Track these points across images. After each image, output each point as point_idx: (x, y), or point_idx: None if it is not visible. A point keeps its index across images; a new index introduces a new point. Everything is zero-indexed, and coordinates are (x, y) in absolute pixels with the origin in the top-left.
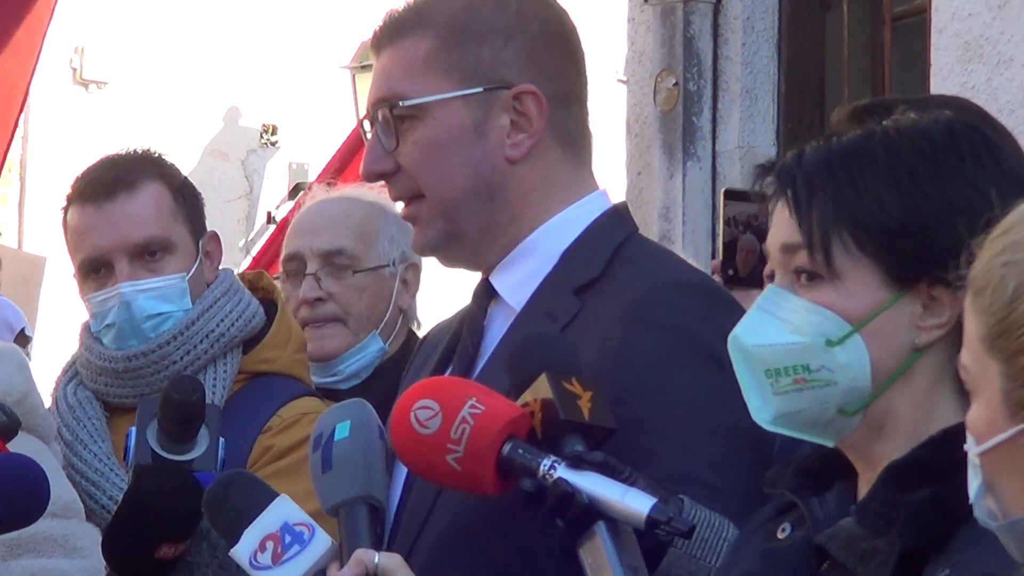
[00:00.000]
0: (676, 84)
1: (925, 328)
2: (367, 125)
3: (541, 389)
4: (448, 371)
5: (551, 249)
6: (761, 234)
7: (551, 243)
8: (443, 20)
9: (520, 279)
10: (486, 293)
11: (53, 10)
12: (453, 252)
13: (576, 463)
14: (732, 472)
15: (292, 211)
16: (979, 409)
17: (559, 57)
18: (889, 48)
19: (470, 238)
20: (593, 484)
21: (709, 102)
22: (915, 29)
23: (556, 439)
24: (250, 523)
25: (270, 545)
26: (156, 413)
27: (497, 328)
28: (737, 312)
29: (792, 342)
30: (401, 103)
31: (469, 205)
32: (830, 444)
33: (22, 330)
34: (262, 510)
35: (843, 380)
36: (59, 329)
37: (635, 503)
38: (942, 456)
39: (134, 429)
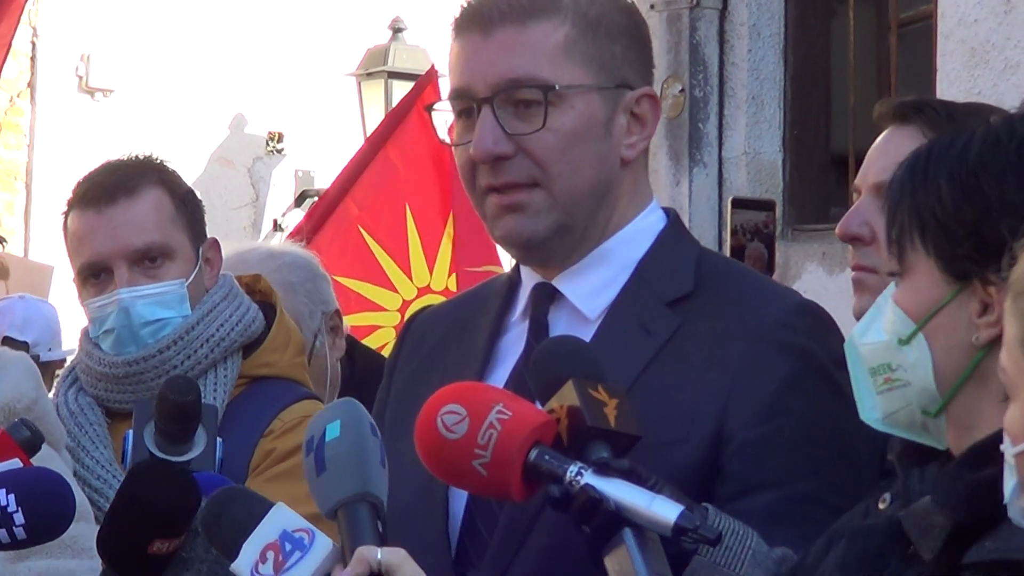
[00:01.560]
0: (682, 90)
1: (983, 325)
2: (440, 106)
3: (567, 396)
4: (500, 371)
5: (626, 258)
6: (768, 242)
7: (625, 252)
8: (576, 9)
9: (595, 287)
10: (548, 296)
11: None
12: (554, 247)
13: (603, 470)
14: (853, 492)
15: (303, 220)
16: (1017, 411)
17: (651, 64)
18: (895, 54)
19: (576, 234)
20: (620, 491)
21: (715, 108)
22: (921, 35)
23: (582, 446)
24: (248, 536)
25: (271, 555)
26: (152, 415)
27: (563, 333)
28: (838, 331)
29: (879, 340)
30: (557, 87)
31: (588, 200)
32: (941, 447)
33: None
34: (259, 522)
35: (915, 380)
36: (69, 334)
37: (662, 510)
38: None
39: (131, 432)
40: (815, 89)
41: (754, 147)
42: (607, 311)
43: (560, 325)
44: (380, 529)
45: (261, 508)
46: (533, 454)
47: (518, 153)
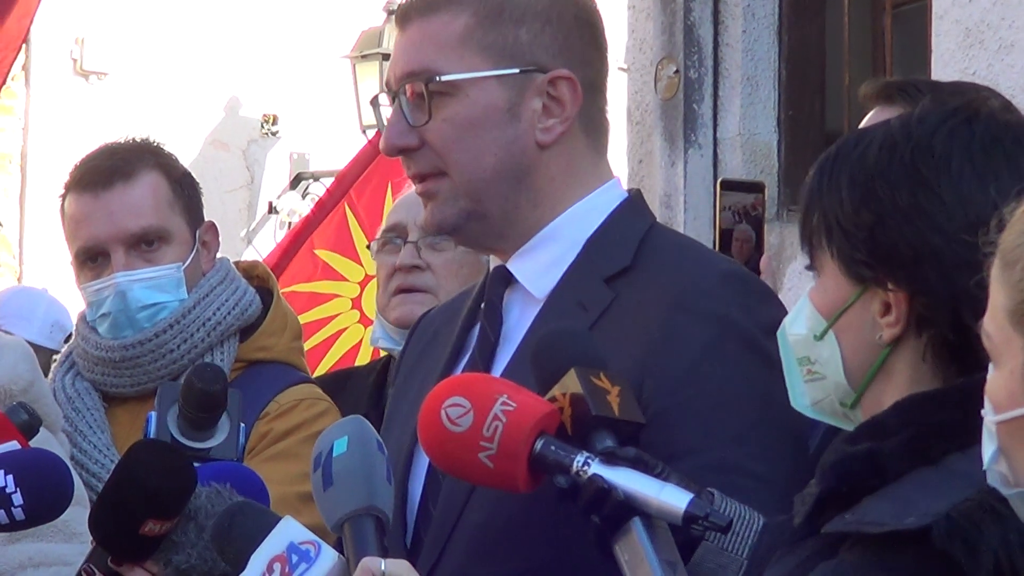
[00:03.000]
0: (677, 72)
1: (885, 325)
2: (382, 99)
3: (570, 384)
4: (466, 359)
5: (574, 237)
6: (757, 224)
7: (573, 231)
8: None
9: (542, 267)
10: (503, 279)
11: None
12: (471, 232)
13: (610, 459)
14: (779, 462)
15: (308, 217)
16: (999, 379)
17: (590, 45)
18: (890, 34)
19: (493, 219)
20: (628, 480)
21: (710, 89)
22: (916, 15)
23: (586, 435)
24: (256, 548)
25: (277, 567)
26: (177, 399)
27: (516, 315)
28: (773, 301)
29: (801, 334)
30: (438, 78)
31: (495, 186)
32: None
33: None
34: (267, 534)
35: (829, 374)
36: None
37: (672, 498)
38: (893, 418)
39: (154, 414)
40: (810, 70)
41: (749, 128)
42: (552, 290)
43: (514, 307)
44: (385, 543)
45: (270, 521)
46: (539, 445)
47: (423, 144)
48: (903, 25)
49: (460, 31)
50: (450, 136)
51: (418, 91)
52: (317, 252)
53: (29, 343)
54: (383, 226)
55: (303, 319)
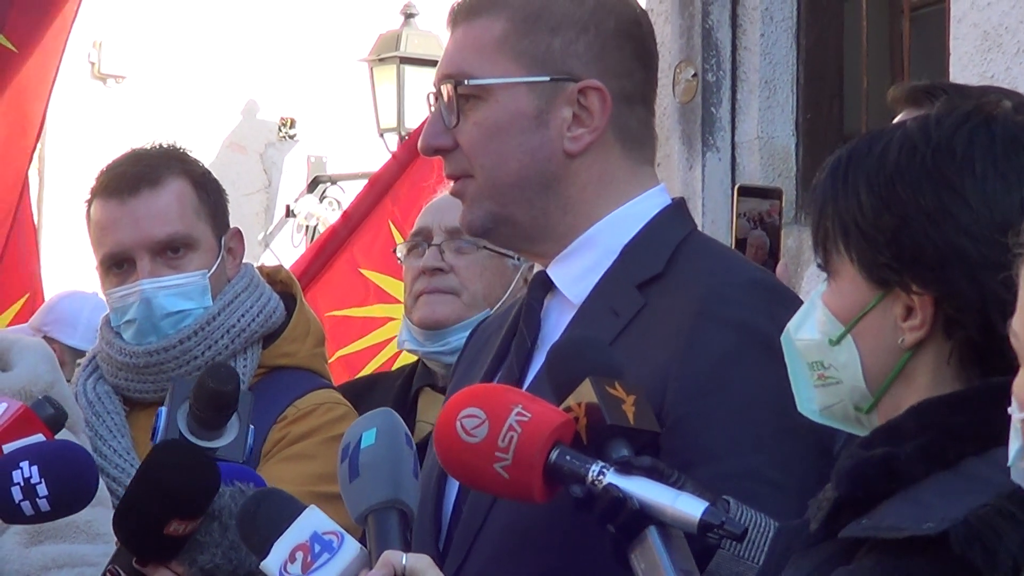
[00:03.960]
0: (695, 75)
1: (907, 329)
2: (431, 99)
3: (585, 394)
4: (505, 364)
5: (611, 243)
6: (772, 231)
7: (611, 237)
8: (519, 4)
9: (579, 272)
10: (543, 285)
11: (77, 10)
12: (501, 235)
13: (625, 468)
14: (797, 470)
15: (333, 227)
16: None
17: (630, 56)
18: (908, 38)
19: (521, 224)
20: (643, 489)
21: (728, 93)
22: (934, 18)
23: (602, 444)
24: (280, 536)
25: (300, 555)
26: (189, 396)
27: (554, 320)
28: (798, 306)
29: (812, 338)
30: (467, 82)
31: (520, 191)
32: None
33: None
34: (291, 523)
35: (846, 379)
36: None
37: (687, 507)
38: (909, 422)
39: (164, 409)
40: (828, 73)
41: (767, 131)
42: (587, 296)
43: (552, 312)
44: (408, 537)
45: (294, 509)
46: (554, 455)
47: (456, 146)
48: (921, 28)
49: (497, 36)
50: (478, 139)
51: (451, 93)
52: (364, 272)
53: (74, 349)
54: (412, 230)
55: (361, 344)
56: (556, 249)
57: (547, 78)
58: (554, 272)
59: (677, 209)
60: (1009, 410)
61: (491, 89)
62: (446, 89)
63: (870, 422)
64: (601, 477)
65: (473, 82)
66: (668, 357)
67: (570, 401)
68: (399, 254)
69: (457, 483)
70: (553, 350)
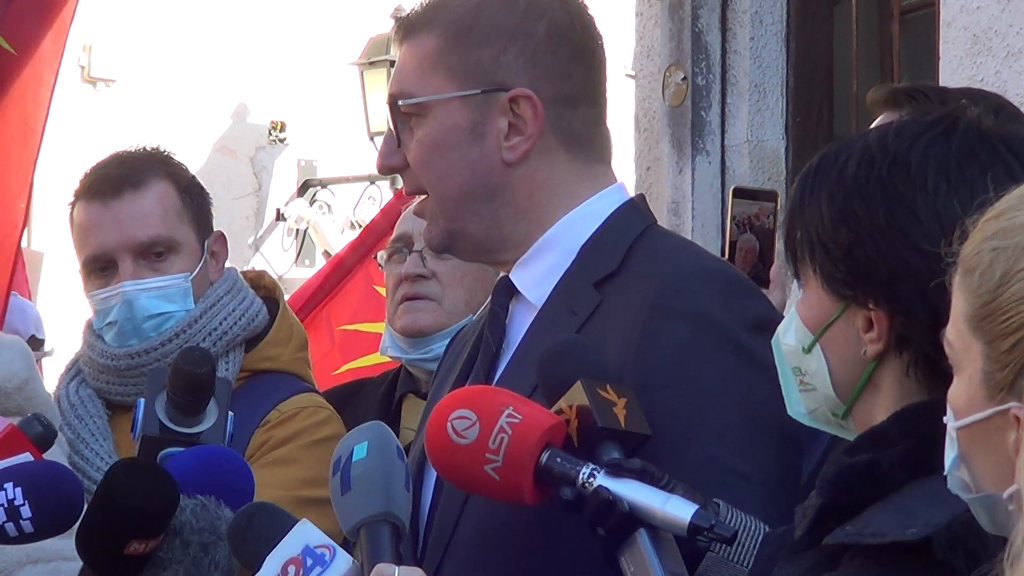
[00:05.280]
0: (685, 79)
1: (868, 341)
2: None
3: (576, 396)
4: (472, 370)
5: (569, 244)
6: (762, 233)
7: (569, 238)
8: (450, 19)
9: (539, 275)
10: (506, 290)
11: (74, 13)
12: (461, 249)
13: (615, 471)
14: (761, 459)
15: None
16: (960, 385)
17: (566, 58)
18: (898, 41)
19: (475, 237)
20: (633, 491)
21: (718, 96)
22: (924, 22)
23: (592, 446)
24: (272, 550)
25: (292, 569)
26: (165, 385)
27: (519, 324)
28: (757, 296)
29: (791, 345)
30: (401, 102)
31: (466, 205)
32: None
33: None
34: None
35: (819, 386)
36: (58, 325)
37: (677, 510)
38: (893, 428)
39: (143, 401)
40: (817, 77)
41: (757, 135)
42: (548, 297)
43: (517, 315)
44: (400, 550)
45: (286, 523)
46: (545, 457)
47: (407, 165)
48: (911, 32)
49: (430, 53)
50: (421, 157)
51: (394, 113)
52: (377, 289)
53: None
54: (392, 236)
55: (369, 360)
56: (516, 255)
57: (478, 91)
58: (516, 276)
59: (633, 206)
60: (944, 419)
61: (428, 106)
62: (391, 109)
63: (849, 427)
64: (591, 479)
65: (409, 101)
66: (625, 352)
67: (561, 403)
68: (380, 260)
69: (432, 489)
70: (545, 352)
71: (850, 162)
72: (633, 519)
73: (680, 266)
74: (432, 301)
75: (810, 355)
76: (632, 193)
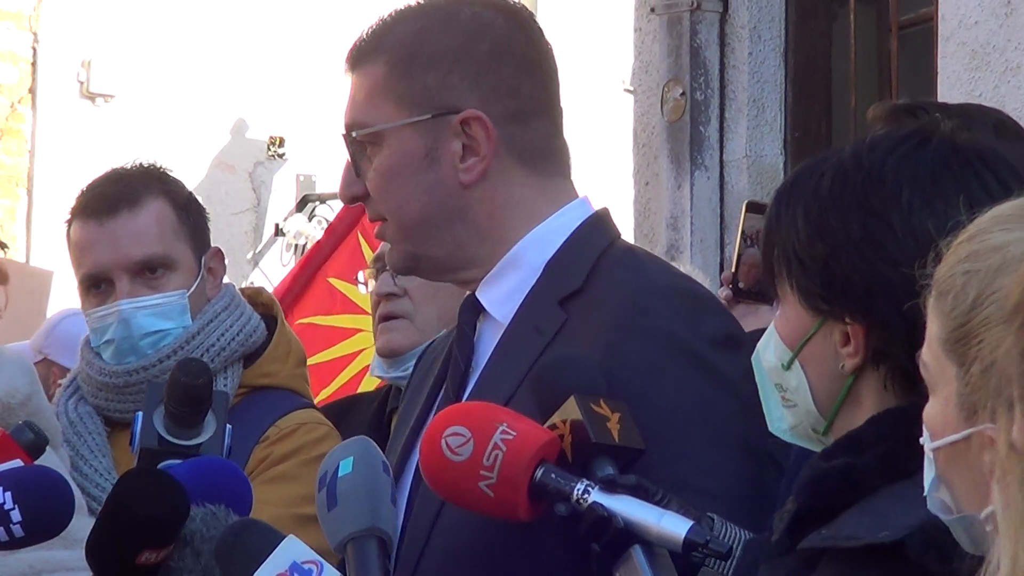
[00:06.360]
0: (683, 94)
1: (845, 356)
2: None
3: (570, 411)
4: (442, 389)
5: (534, 261)
6: None
7: (534, 255)
8: (395, 46)
9: (505, 293)
10: (473, 309)
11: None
12: (426, 272)
13: (610, 487)
14: (726, 477)
15: (319, 243)
16: (935, 406)
17: (512, 74)
18: (896, 56)
19: (439, 259)
20: (628, 508)
21: (716, 111)
22: (922, 37)
23: (587, 461)
24: (259, 566)
25: None
26: (163, 397)
27: (487, 342)
28: (721, 312)
29: (771, 361)
30: (355, 132)
31: (427, 230)
32: None
33: None
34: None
35: (800, 402)
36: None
37: (672, 526)
38: (869, 432)
39: (140, 414)
40: (816, 92)
41: (755, 150)
42: (514, 315)
43: (485, 333)
44: (387, 565)
45: (273, 539)
46: (539, 473)
47: (368, 193)
48: (909, 47)
49: (378, 81)
50: (379, 185)
51: (349, 144)
52: (331, 281)
53: None
54: (374, 255)
55: (327, 355)
56: (482, 274)
57: (428, 116)
58: (482, 295)
59: (598, 221)
60: (921, 440)
61: (382, 135)
62: (345, 140)
63: (830, 443)
64: (586, 496)
65: (362, 132)
66: None
67: (555, 419)
68: (360, 279)
69: (406, 500)
70: (539, 368)
71: (825, 177)
72: (628, 535)
73: (641, 282)
74: (405, 320)
75: (790, 371)
76: (627, 208)
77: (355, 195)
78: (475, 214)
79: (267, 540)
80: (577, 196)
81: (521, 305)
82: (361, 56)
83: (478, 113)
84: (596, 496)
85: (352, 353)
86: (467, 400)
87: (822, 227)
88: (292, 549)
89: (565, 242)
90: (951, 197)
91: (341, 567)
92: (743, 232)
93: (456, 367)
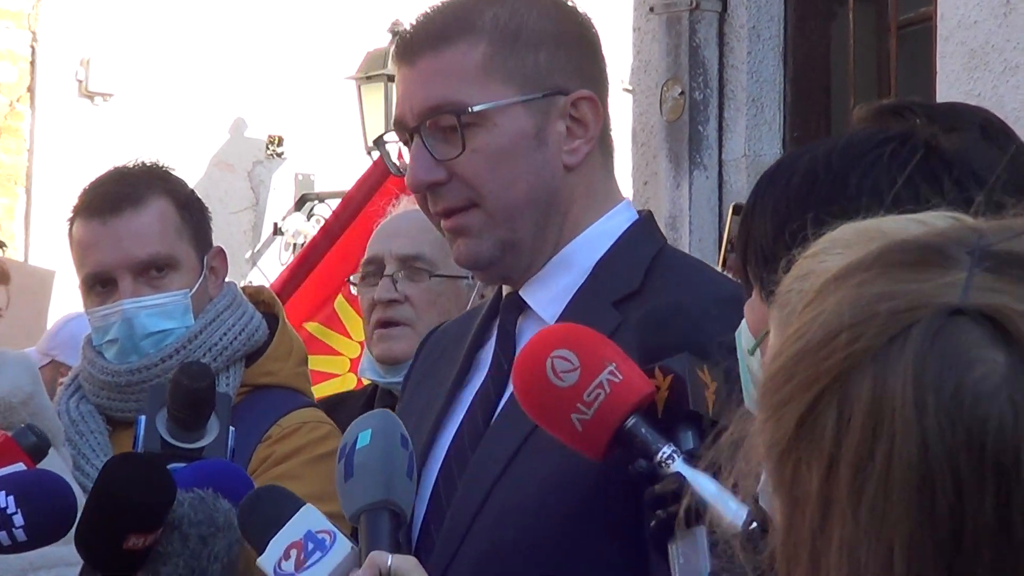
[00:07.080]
0: (682, 93)
1: None
2: (388, 137)
3: (677, 367)
4: (474, 381)
5: (585, 262)
6: None
7: (585, 256)
8: (493, 26)
9: (555, 293)
10: (515, 307)
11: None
12: (506, 263)
13: (693, 460)
14: None
15: (314, 239)
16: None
17: (595, 64)
18: (895, 56)
19: (525, 247)
20: (705, 488)
21: (715, 111)
22: (921, 37)
23: (673, 424)
24: (276, 533)
25: (294, 553)
26: (166, 400)
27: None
28: None
29: (742, 346)
30: (470, 109)
31: (528, 213)
32: None
33: None
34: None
35: None
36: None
37: (738, 519)
38: None
39: (143, 417)
40: (815, 91)
41: (754, 149)
42: (560, 314)
43: (526, 332)
44: (399, 537)
45: (291, 506)
46: (630, 422)
47: (452, 178)
48: (908, 46)
49: (480, 61)
50: (482, 166)
51: (447, 124)
52: (307, 327)
53: None
54: (364, 258)
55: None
56: (532, 271)
57: (540, 94)
58: (528, 294)
59: (645, 224)
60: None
61: (488, 114)
62: (433, 122)
63: None
64: (669, 462)
65: (476, 108)
66: None
67: (657, 370)
68: (352, 281)
69: (434, 477)
70: (651, 313)
71: (795, 175)
72: (698, 514)
73: (702, 290)
74: (406, 326)
75: (754, 357)
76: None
77: (436, 181)
78: (562, 201)
79: (286, 506)
80: (623, 198)
81: (568, 304)
82: (445, 36)
83: (590, 93)
84: (679, 466)
85: (329, 374)
86: (508, 400)
87: (784, 226)
88: (309, 517)
89: (615, 244)
90: (916, 205)
91: (356, 538)
92: (728, 239)
93: (499, 366)
